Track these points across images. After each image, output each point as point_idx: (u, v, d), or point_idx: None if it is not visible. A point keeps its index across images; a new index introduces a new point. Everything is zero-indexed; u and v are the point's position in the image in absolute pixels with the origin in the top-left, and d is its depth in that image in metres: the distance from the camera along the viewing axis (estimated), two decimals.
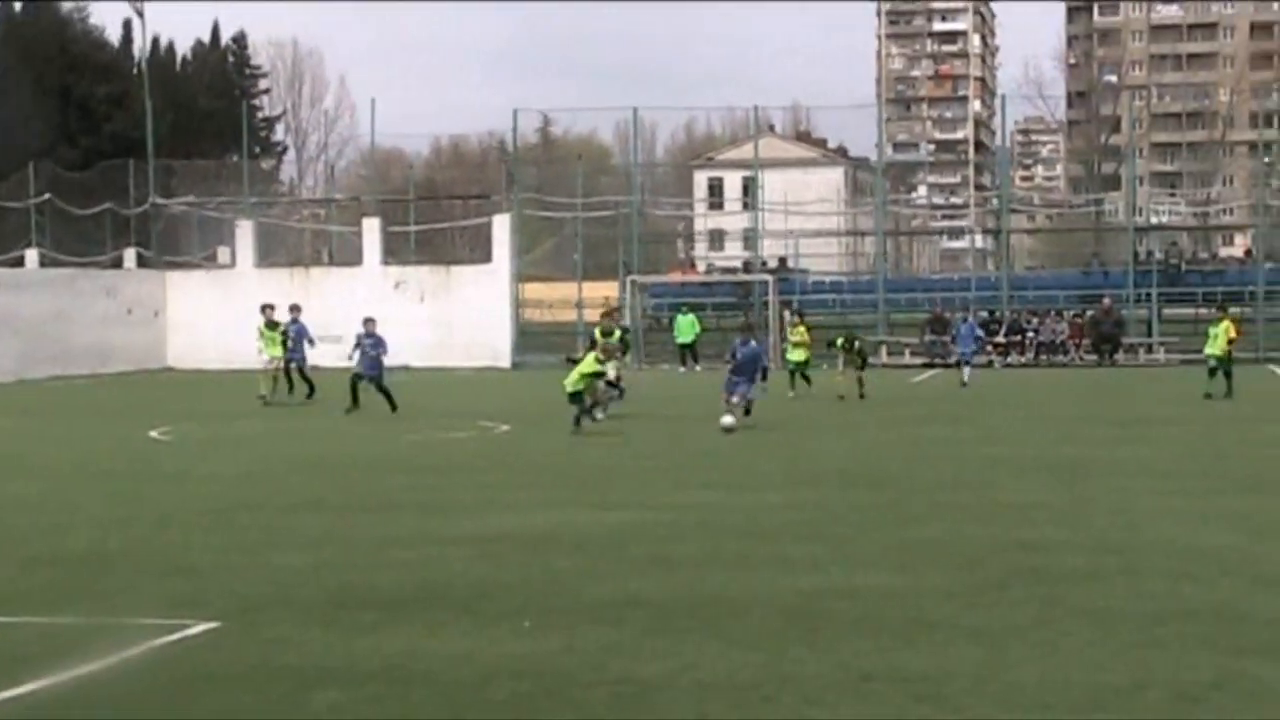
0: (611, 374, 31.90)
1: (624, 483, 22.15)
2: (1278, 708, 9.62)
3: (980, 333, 49.20)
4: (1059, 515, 18.17)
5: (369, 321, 36.50)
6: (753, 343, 31.42)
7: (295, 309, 41.55)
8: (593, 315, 66.45)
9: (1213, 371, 37.92)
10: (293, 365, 39.92)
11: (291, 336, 40.05)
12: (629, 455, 26.02)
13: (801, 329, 41.47)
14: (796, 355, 40.71)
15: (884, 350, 58.77)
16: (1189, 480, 21.58)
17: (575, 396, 29.22)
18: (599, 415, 30.23)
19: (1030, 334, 58.76)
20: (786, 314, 57.00)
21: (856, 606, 12.79)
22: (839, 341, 41.36)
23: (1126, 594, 13.21)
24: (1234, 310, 62.30)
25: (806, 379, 39.99)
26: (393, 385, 35.50)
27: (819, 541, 16.38)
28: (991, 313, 60.14)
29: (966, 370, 44.07)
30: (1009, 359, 57.66)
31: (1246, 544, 16.03)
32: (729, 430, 28.42)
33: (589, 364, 29.88)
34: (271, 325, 40.73)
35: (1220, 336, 38.14)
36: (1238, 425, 30.51)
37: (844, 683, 10.28)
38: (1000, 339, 58.32)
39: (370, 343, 35.96)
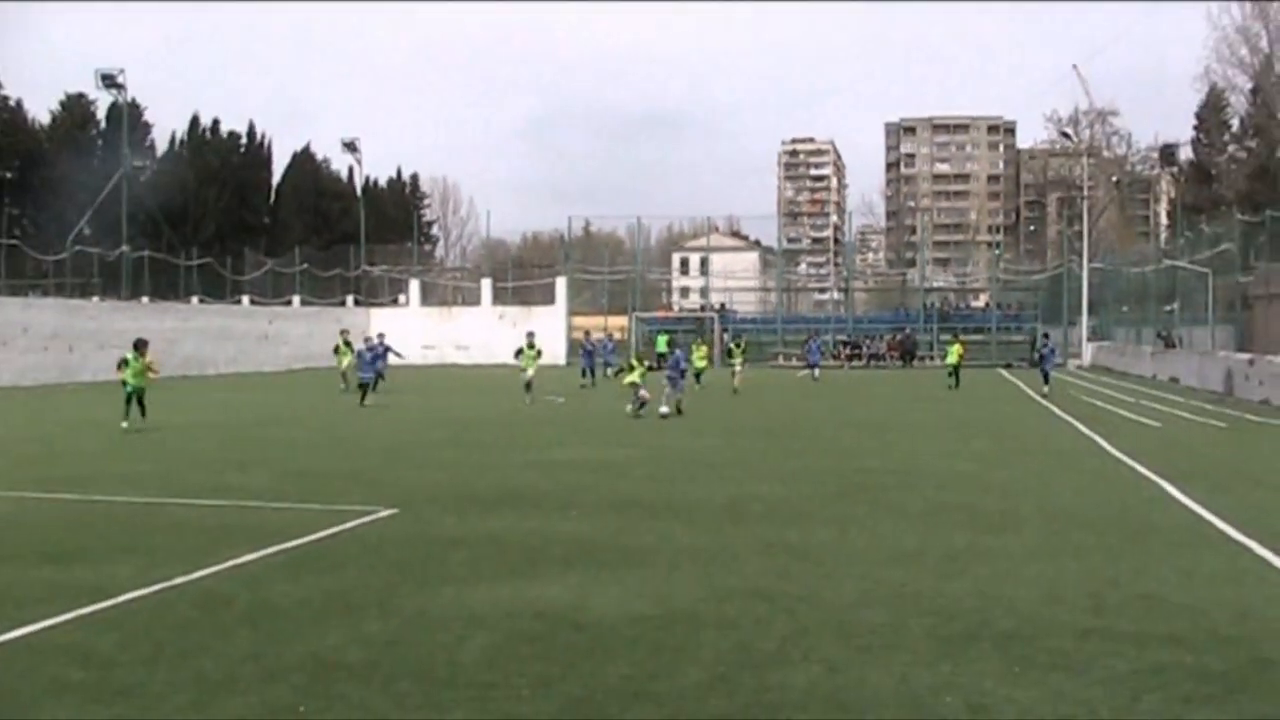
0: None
1: (630, 433, 21.39)
2: (1009, 564, 9.33)
3: (823, 348, 48.82)
4: (874, 452, 17.90)
5: (377, 336, 31.41)
6: (677, 352, 26.86)
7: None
8: (616, 333, 66.30)
9: (950, 373, 36.92)
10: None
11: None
12: (638, 421, 25.74)
13: (704, 349, 36.20)
14: (699, 364, 34.76)
15: (780, 357, 58.58)
16: (949, 432, 21.65)
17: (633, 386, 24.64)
18: (635, 406, 24.72)
19: (864, 349, 58.58)
20: (726, 337, 57.24)
21: (761, 504, 12.55)
22: (734, 345, 37.74)
23: (913, 498, 13.00)
24: (963, 337, 62.53)
25: (698, 377, 34.06)
26: (503, 376, 34.19)
27: (739, 467, 15.94)
28: (846, 338, 59.99)
29: (816, 371, 43.01)
30: (853, 363, 57.48)
31: (981, 470, 15.74)
32: (664, 416, 23.99)
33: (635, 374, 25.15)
34: (347, 344, 34.94)
35: (953, 353, 37.41)
36: (976, 402, 30.48)
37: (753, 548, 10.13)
38: (849, 352, 58.17)
39: (370, 355, 29.35)
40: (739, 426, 22.90)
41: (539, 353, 30.51)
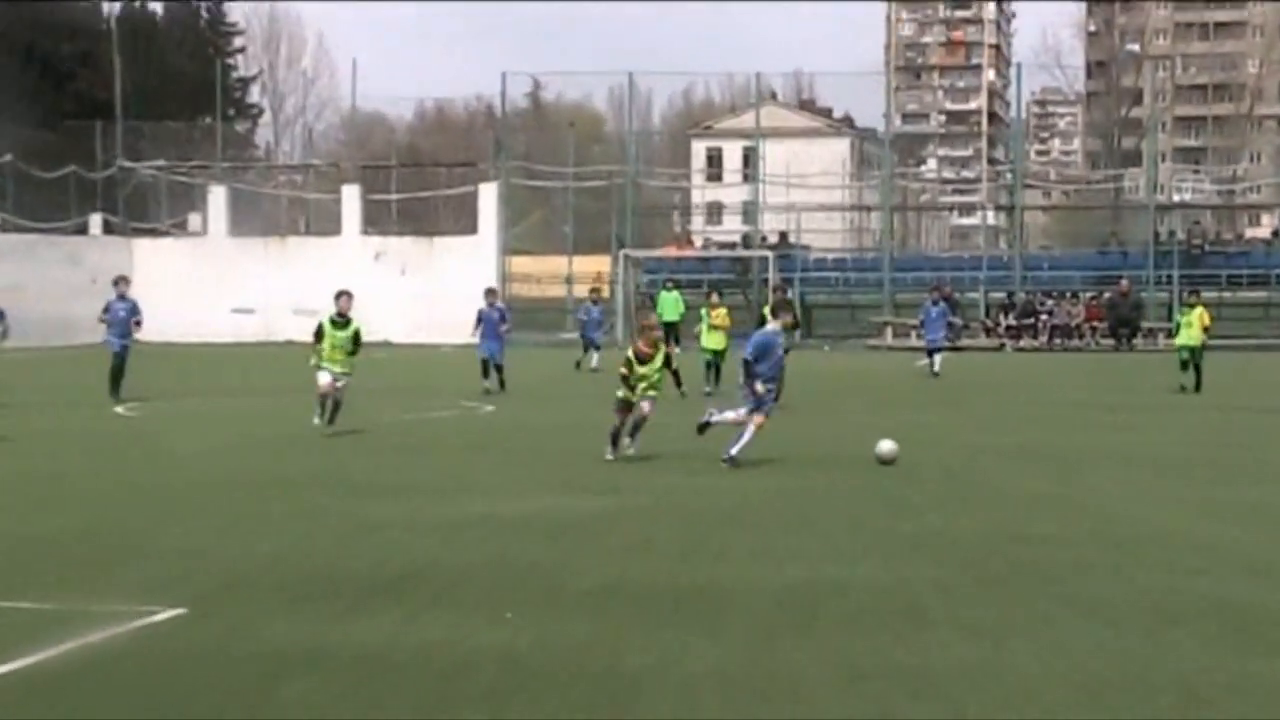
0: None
1: (615, 468, 22.21)
2: None
3: (952, 318, 48.45)
4: (1052, 504, 18.36)
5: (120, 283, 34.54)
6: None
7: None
8: (582, 291, 66.68)
9: (1185, 365, 37.33)
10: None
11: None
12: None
13: (722, 312, 37.63)
14: (713, 341, 36.64)
15: (889, 331, 58.85)
16: (1189, 470, 21.77)
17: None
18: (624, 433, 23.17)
19: (1044, 317, 58.88)
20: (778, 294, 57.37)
21: (845, 598, 12.94)
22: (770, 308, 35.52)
23: (1125, 587, 13.37)
24: (1224, 293, 62.88)
25: (718, 370, 35.92)
26: (372, 362, 35.44)
27: (804, 529, 16.58)
28: (1010, 295, 60.25)
29: (937, 359, 42.68)
30: (1021, 342, 57.78)
31: (1245, 536, 16.23)
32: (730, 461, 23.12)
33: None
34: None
35: (1194, 325, 37.46)
36: (1240, 414, 30.66)
37: None
38: (1012, 321, 58.44)
39: (122, 312, 33.79)
40: (800, 457, 23.35)
41: (355, 339, 27.30)
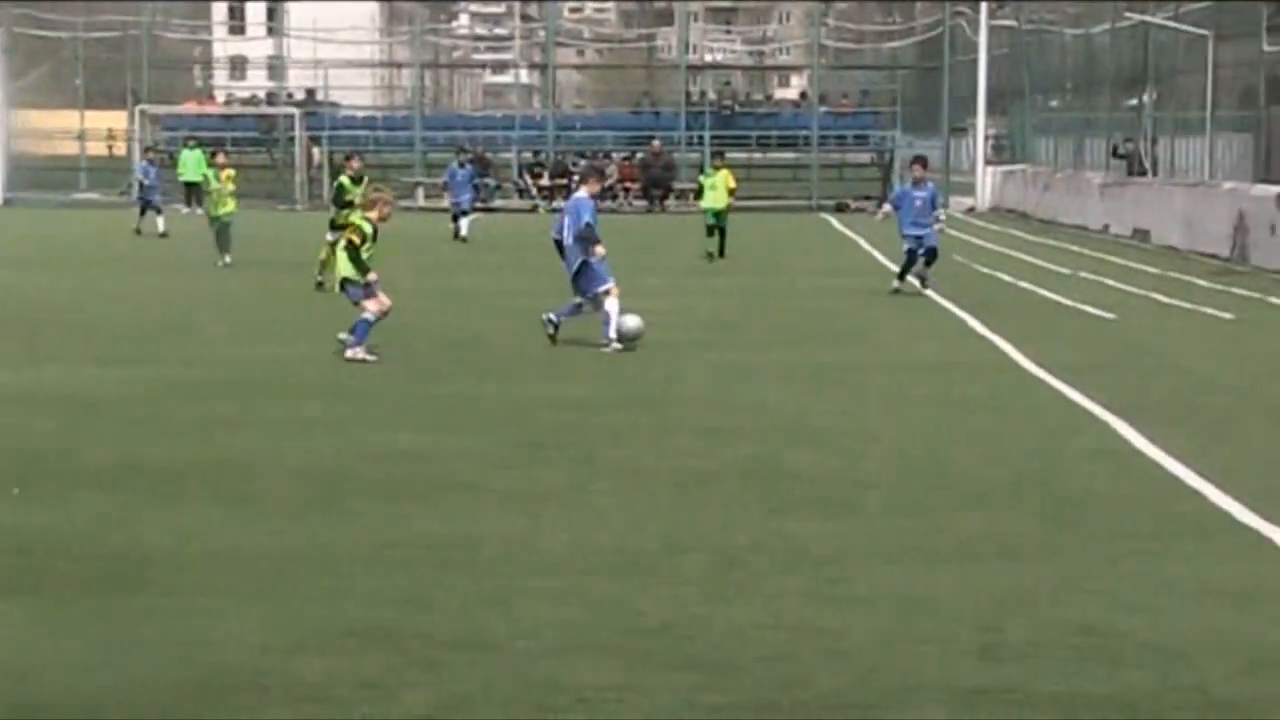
0: None
1: (131, 339, 21.71)
2: (832, 580, 9.93)
3: (480, 180, 47.92)
4: (582, 373, 18.60)
5: None
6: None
7: None
8: (96, 148, 64.67)
9: (710, 230, 36.60)
10: None
11: None
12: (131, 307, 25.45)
13: (231, 171, 34.62)
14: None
15: (421, 192, 58.66)
16: (730, 334, 22.25)
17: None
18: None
19: (577, 177, 59.42)
20: (316, 153, 56.50)
21: (379, 469, 12.90)
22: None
23: (668, 451, 13.60)
24: (762, 156, 64.58)
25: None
26: None
27: (337, 399, 16.43)
28: (536, 153, 60.59)
29: (465, 223, 41.67)
30: (555, 203, 58.21)
31: (793, 400, 16.66)
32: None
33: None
34: None
35: (719, 188, 36.60)
36: (771, 276, 31.50)
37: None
38: (545, 182, 58.82)
39: None
40: (332, 325, 22.88)
41: None
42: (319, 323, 22.97)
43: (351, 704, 7.50)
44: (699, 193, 37.95)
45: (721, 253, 36.23)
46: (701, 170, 59.97)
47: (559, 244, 20.94)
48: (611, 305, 20.33)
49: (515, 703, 7.50)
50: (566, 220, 20.95)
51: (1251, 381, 17.93)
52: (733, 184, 37.56)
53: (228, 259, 31.49)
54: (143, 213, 42.63)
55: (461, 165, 42.98)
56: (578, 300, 20.82)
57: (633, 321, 20.47)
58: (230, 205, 32.62)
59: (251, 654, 8.26)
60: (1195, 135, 45.82)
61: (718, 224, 36.50)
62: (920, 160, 29.31)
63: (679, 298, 27.11)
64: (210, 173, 33.78)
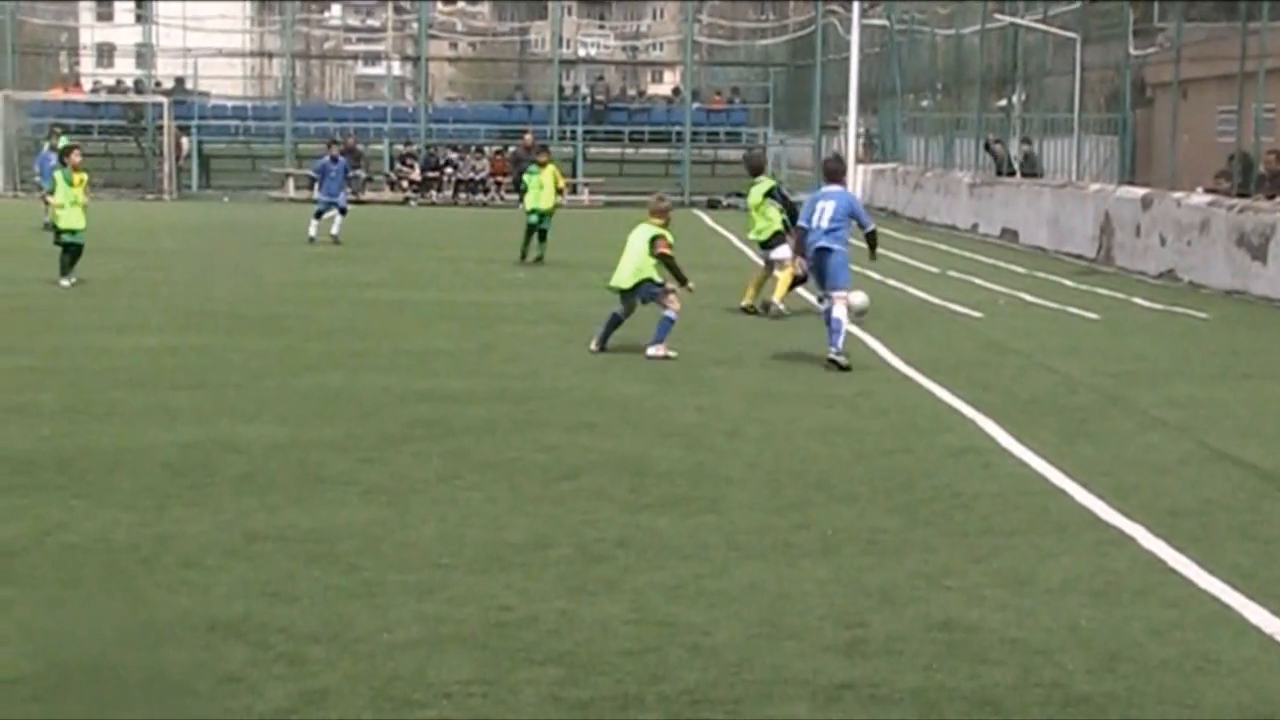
0: None
1: None
2: (677, 561, 10.07)
3: (352, 172, 46.49)
4: (464, 365, 18.61)
5: None
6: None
7: None
8: None
9: (530, 230, 33.16)
10: None
11: None
12: None
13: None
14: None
15: (291, 183, 58.27)
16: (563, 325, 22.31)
17: None
18: None
19: (449, 170, 59.22)
20: (185, 143, 55.90)
21: (243, 461, 12.84)
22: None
23: (537, 445, 13.61)
24: (630, 152, 64.70)
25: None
26: None
27: (202, 390, 16.35)
28: (408, 144, 60.33)
29: (339, 221, 37.53)
30: (426, 196, 58.02)
31: (651, 395, 16.70)
32: None
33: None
34: None
35: (546, 186, 33.26)
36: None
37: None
38: (416, 175, 58.59)
39: None
40: (198, 313, 23.17)
41: None
42: (184, 313, 22.85)
43: (212, 698, 7.46)
44: (523, 193, 34.01)
45: (540, 258, 32.81)
46: (576, 165, 60.52)
47: (805, 232, 19.36)
48: (842, 310, 19.04)
49: (378, 697, 7.47)
50: (830, 209, 19.22)
51: (1115, 381, 18.14)
52: (561, 182, 34.54)
53: (71, 280, 26.05)
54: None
55: (334, 159, 38.99)
56: (823, 305, 19.65)
57: (859, 298, 20.73)
58: (81, 220, 26.14)
59: (111, 647, 8.20)
60: (1063, 136, 46.37)
61: (539, 225, 33.07)
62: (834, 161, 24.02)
63: (546, 291, 27.10)
64: (60, 175, 26.43)
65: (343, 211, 37.71)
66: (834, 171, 20.84)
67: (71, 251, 26.09)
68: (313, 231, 37.09)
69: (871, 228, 19.84)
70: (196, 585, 9.30)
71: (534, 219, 33.07)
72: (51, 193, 25.21)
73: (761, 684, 7.75)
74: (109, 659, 8.03)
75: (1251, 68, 32.64)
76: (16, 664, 7.84)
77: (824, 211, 19.16)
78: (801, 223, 19.55)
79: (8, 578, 9.43)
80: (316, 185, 40.25)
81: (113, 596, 9.10)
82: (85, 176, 26.90)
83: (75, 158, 26.63)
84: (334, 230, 37.15)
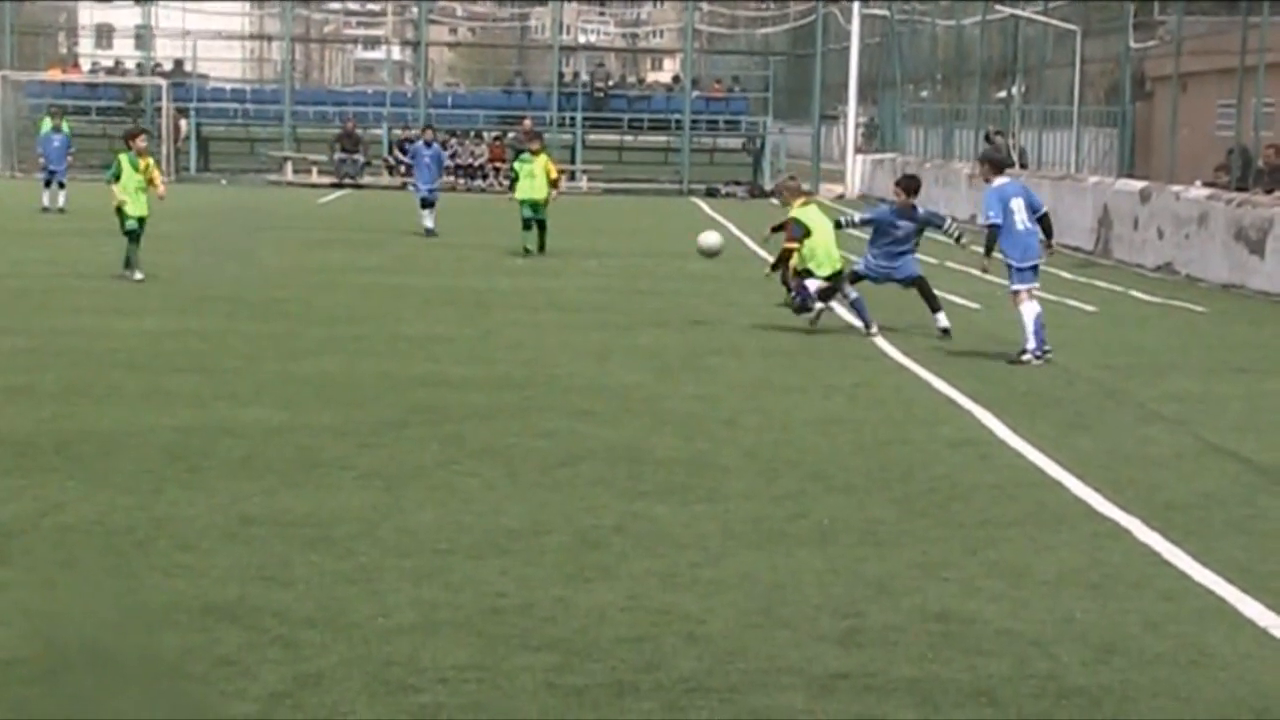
0: None
1: None
2: (674, 550, 10.09)
3: (349, 155, 45.67)
4: (458, 352, 18.61)
5: None
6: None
7: None
8: None
9: (527, 224, 31.81)
10: None
11: None
12: None
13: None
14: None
15: (289, 166, 58.24)
16: (597, 315, 22.29)
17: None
18: None
19: (449, 156, 59.20)
20: (185, 125, 55.90)
21: (240, 445, 12.85)
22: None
23: (535, 430, 13.64)
24: (632, 140, 64.67)
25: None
26: None
27: (200, 373, 16.35)
28: (406, 128, 60.27)
29: (430, 216, 36.18)
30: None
31: (651, 381, 16.77)
32: None
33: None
34: None
35: (539, 176, 31.76)
36: (654, 259, 31.51)
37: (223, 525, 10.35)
38: (400, 158, 58.54)
39: None
40: (197, 297, 23.08)
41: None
42: (184, 296, 22.86)
43: (208, 680, 7.47)
44: (514, 181, 32.72)
45: (542, 248, 31.73)
46: (575, 152, 60.49)
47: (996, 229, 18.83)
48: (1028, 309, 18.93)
49: (373, 681, 7.48)
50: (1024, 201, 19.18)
51: (1112, 374, 18.16)
52: (554, 172, 32.70)
53: (140, 274, 24.72)
54: (47, 185, 39.92)
55: (428, 144, 37.64)
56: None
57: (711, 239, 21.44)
58: (145, 207, 25.15)
59: (107, 629, 8.22)
60: (1062, 129, 46.35)
61: (535, 216, 31.82)
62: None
63: (545, 278, 27.08)
64: (126, 158, 25.11)
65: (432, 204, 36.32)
66: (1002, 164, 20.66)
67: (135, 239, 24.94)
68: (428, 223, 35.85)
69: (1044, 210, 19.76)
70: (192, 568, 9.31)
71: (528, 211, 31.85)
72: (117, 179, 24.67)
73: (756, 673, 7.76)
74: (105, 641, 8.05)
75: (1251, 62, 32.58)
76: (13, 645, 7.85)
77: (1018, 210, 18.98)
78: (997, 220, 18.82)
79: (5, 559, 9.45)
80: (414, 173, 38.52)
81: (109, 579, 9.11)
82: (151, 161, 25.89)
83: (140, 143, 25.70)
84: (428, 223, 35.90)
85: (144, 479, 11.48)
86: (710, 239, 21.14)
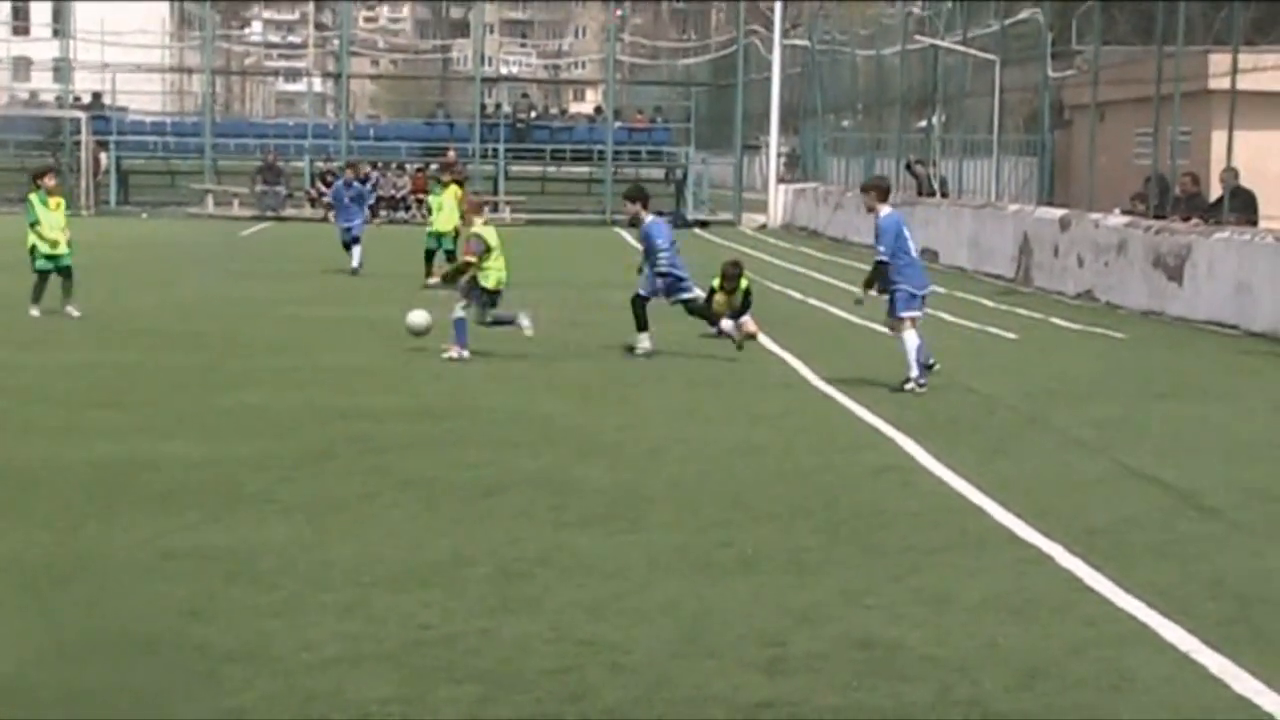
0: None
1: None
2: (598, 580, 10.09)
3: (271, 188, 45.62)
4: (379, 384, 18.57)
5: None
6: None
7: None
8: None
9: (431, 254, 31.25)
10: None
11: None
12: None
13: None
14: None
15: (210, 199, 58.02)
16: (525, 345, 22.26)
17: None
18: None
19: (369, 188, 59.06)
20: (104, 158, 55.51)
21: (161, 479, 12.76)
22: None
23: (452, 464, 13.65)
24: (553, 170, 64.82)
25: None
26: None
27: (120, 407, 16.26)
28: (328, 161, 60.14)
29: (357, 254, 34.43)
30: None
31: (571, 411, 16.76)
32: None
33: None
34: None
35: (446, 209, 31.13)
36: (577, 290, 31.51)
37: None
38: (320, 192, 58.42)
39: None
40: (117, 330, 23.05)
41: None
42: (102, 330, 22.72)
43: (127, 716, 7.40)
44: (429, 212, 32.59)
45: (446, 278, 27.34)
46: (497, 183, 60.40)
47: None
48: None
49: (297, 715, 7.45)
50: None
51: (1034, 401, 18.25)
52: (466, 205, 28.18)
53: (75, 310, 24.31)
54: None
55: (348, 184, 36.52)
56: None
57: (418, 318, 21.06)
58: (63, 245, 24.96)
59: (25, 665, 8.12)
60: (983, 157, 46.65)
61: (441, 247, 31.17)
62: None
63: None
64: (36, 198, 25.09)
65: (357, 240, 34.72)
66: (888, 190, 20.42)
67: (63, 274, 24.63)
68: (354, 263, 34.13)
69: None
70: (112, 603, 9.24)
71: (431, 243, 31.45)
72: (35, 224, 24.51)
73: (682, 702, 7.76)
74: (24, 678, 7.96)
75: (1167, 91, 32.83)
76: None
77: (910, 238, 19.28)
78: (885, 256, 18.92)
79: None
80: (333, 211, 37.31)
81: (27, 614, 9.02)
82: (62, 200, 25.97)
83: (49, 181, 25.66)
84: (354, 262, 34.26)
85: (62, 515, 11.38)
86: (418, 318, 21.22)
